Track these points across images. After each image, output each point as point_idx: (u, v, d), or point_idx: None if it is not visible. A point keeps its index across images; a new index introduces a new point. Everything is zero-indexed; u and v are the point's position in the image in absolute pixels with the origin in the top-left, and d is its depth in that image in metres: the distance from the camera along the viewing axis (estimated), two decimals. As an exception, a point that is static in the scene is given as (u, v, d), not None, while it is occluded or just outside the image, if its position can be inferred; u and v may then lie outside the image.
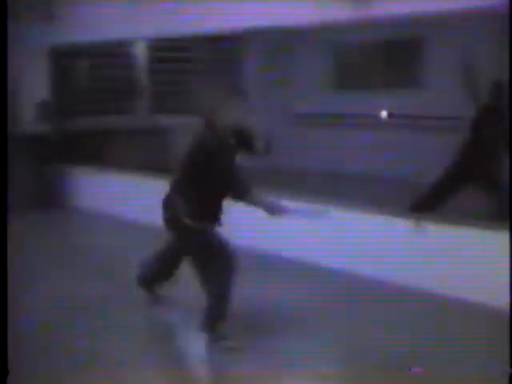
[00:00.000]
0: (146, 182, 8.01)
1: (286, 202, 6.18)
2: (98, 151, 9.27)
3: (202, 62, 10.91)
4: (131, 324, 4.96)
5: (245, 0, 6.55)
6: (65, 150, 9.08)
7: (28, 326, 4.88)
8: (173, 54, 10.40)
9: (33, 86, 9.18)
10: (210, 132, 4.41)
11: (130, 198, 8.10)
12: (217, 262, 4.44)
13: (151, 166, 8.65)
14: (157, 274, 5.13)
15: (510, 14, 4.89)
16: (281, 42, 10.34)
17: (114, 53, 9.95)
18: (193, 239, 4.51)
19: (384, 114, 9.94)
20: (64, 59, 9.39)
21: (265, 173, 9.83)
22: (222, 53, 11.13)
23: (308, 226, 5.65)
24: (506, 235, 4.94)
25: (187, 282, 4.83)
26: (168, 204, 4.56)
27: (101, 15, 8.24)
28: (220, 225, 4.55)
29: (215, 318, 4.52)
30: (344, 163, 9.86)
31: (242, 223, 5.91)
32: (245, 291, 4.93)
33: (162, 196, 4.60)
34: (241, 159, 4.60)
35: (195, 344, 4.67)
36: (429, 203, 6.57)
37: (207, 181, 4.38)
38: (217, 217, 4.54)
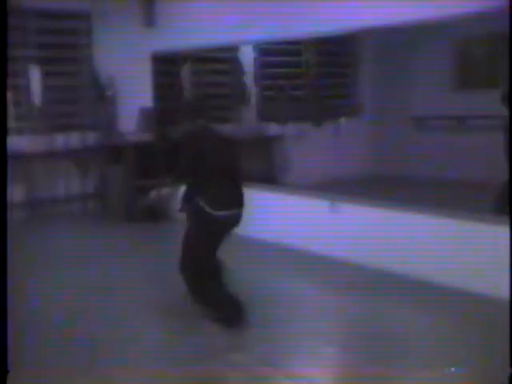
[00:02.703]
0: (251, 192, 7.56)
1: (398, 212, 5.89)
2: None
3: (313, 66, 10.34)
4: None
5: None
6: (167, 160, 8.72)
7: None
8: (282, 58, 9.90)
9: (135, 92, 8.99)
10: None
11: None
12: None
13: (257, 177, 8.27)
14: None
15: (510, 14, 4.82)
16: (399, 42, 9.68)
17: (219, 58, 9.55)
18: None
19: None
20: (167, 65, 9.15)
21: (379, 180, 9.45)
22: (334, 56, 10.59)
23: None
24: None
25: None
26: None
27: (204, 20, 8.02)
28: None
29: None
30: (465, 169, 9.02)
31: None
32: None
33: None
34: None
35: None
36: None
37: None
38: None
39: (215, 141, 4.86)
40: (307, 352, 4.42)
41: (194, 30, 8.13)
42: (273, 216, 7.14)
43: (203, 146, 4.71)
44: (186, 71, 9.20)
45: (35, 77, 8.76)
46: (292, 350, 4.47)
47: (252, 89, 9.76)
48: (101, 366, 4.21)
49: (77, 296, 5.66)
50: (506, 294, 4.84)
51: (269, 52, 9.59)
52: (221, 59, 9.59)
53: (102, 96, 9.27)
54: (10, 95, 8.56)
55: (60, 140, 9.08)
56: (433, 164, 9.64)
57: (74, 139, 9.14)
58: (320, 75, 10.38)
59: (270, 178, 9.27)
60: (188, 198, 4.80)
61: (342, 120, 10.24)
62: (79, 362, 4.25)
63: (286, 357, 4.37)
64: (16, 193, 8.68)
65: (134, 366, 4.19)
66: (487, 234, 5.29)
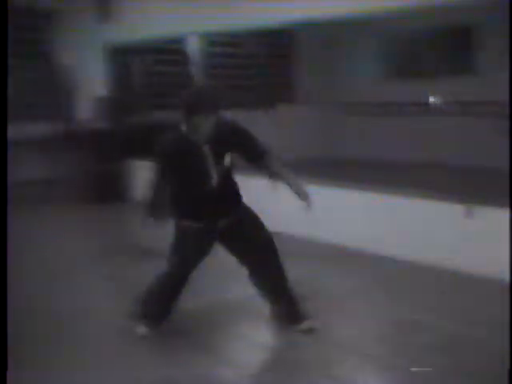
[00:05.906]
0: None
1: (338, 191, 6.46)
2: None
3: (254, 57, 11.05)
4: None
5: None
6: (124, 145, 9.27)
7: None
8: (225, 49, 10.56)
9: (92, 83, 9.56)
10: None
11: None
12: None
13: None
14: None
15: (510, 13, 5.04)
16: (332, 34, 10.45)
17: (168, 49, 10.08)
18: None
19: (433, 100, 9.97)
20: (121, 57, 9.68)
21: (316, 162, 10.04)
22: (274, 47, 11.31)
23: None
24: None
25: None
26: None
27: (154, 13, 8.47)
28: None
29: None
30: (395, 151, 9.98)
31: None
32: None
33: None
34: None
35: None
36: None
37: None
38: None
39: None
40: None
41: (144, 23, 8.63)
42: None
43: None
44: (136, 62, 9.80)
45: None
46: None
47: (197, 78, 10.30)
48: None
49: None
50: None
51: (213, 43, 10.21)
52: (169, 50, 10.11)
53: (61, 87, 9.76)
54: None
55: (21, 129, 9.50)
56: (362, 146, 10.49)
57: (34, 128, 9.59)
58: (259, 65, 11.11)
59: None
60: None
61: (280, 107, 10.92)
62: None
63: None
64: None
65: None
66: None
